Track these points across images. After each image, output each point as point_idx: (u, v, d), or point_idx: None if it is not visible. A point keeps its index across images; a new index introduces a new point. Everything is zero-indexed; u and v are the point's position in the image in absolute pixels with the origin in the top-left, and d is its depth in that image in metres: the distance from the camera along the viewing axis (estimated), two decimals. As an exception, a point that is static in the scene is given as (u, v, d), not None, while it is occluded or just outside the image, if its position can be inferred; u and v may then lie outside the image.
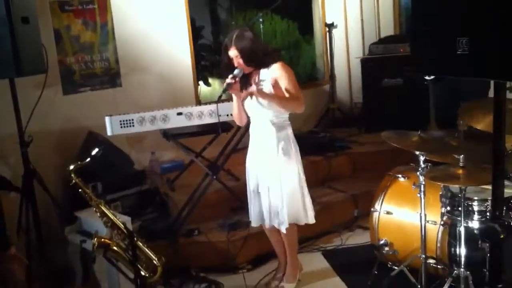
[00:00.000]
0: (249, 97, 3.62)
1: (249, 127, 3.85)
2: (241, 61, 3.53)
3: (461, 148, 3.34)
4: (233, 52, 3.54)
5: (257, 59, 3.57)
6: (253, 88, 3.48)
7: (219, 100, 3.67)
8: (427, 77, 5.40)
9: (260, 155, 3.72)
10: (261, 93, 3.49)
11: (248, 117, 3.78)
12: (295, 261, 3.98)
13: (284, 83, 3.54)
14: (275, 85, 3.55)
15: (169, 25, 5.55)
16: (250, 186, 3.84)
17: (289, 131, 3.70)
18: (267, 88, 3.56)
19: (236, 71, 3.54)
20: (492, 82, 2.28)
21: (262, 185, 3.73)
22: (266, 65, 3.60)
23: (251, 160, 3.83)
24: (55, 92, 4.76)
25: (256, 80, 3.64)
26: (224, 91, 3.57)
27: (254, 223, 3.87)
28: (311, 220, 3.79)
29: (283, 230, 3.71)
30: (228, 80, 3.51)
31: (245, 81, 3.66)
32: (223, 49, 3.62)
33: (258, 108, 3.62)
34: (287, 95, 3.53)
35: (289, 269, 3.95)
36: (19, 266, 2.70)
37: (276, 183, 3.65)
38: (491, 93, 2.32)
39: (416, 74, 5.31)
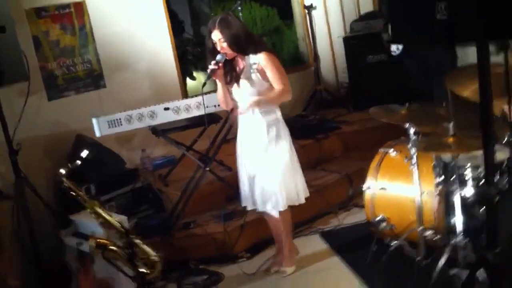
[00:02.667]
0: (235, 85, 3.62)
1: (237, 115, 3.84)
2: (224, 45, 3.51)
3: (450, 116, 3.34)
4: (215, 35, 3.52)
5: (241, 43, 3.54)
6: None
7: (203, 86, 3.61)
8: (394, 51, 5.47)
9: (251, 141, 3.73)
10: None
11: (235, 103, 3.77)
12: (291, 244, 4.00)
13: (270, 74, 3.55)
14: (262, 73, 3.55)
15: (149, 22, 5.50)
16: (242, 172, 3.85)
17: (278, 114, 3.71)
18: (255, 77, 3.56)
19: (218, 57, 3.52)
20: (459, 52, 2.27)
21: (254, 171, 3.73)
22: (251, 51, 3.57)
23: (241, 147, 3.83)
24: (39, 98, 4.73)
25: (241, 67, 3.63)
26: (208, 77, 3.53)
27: (246, 205, 3.89)
28: (302, 200, 3.82)
29: (276, 214, 3.72)
30: (211, 66, 3.49)
31: (230, 68, 3.65)
32: (207, 33, 3.60)
33: (247, 96, 3.61)
34: (275, 86, 3.55)
35: (286, 253, 3.96)
36: (11, 270, 2.69)
37: (268, 168, 3.66)
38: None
39: (393, 44, 5.34)
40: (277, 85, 3.56)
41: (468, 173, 3.26)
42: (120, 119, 4.21)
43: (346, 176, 5.04)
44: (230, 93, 3.73)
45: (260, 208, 3.79)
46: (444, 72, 5.41)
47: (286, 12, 7.51)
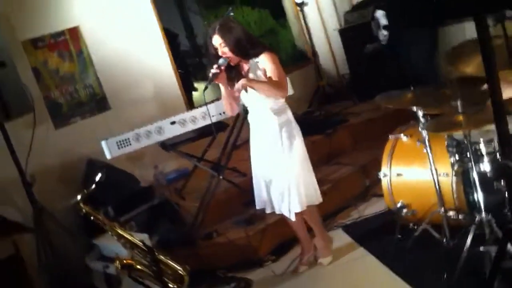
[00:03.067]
0: (244, 90, 3.62)
1: (243, 122, 3.84)
2: (225, 49, 3.51)
3: (457, 95, 3.32)
4: (216, 40, 3.51)
5: (242, 47, 3.53)
6: (240, 81, 3.47)
7: (205, 90, 3.55)
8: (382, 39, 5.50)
9: (264, 143, 3.72)
10: (250, 81, 3.49)
11: (244, 108, 3.78)
12: (325, 235, 4.00)
13: (269, 72, 3.54)
14: (265, 74, 3.55)
15: (145, 39, 5.53)
16: (257, 175, 3.83)
17: (289, 114, 3.71)
18: (261, 78, 3.55)
19: (220, 61, 3.50)
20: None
21: (270, 173, 3.72)
22: (253, 55, 3.57)
23: (255, 150, 3.82)
24: (46, 128, 4.75)
25: (245, 70, 3.63)
26: (210, 81, 3.50)
27: (265, 208, 3.86)
28: (320, 198, 3.82)
29: (293, 217, 3.72)
30: (213, 70, 3.47)
31: (235, 72, 3.64)
32: (208, 39, 3.59)
33: (257, 99, 3.61)
34: None
35: (321, 244, 3.96)
36: None
37: (284, 169, 3.65)
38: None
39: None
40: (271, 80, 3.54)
41: (483, 148, 3.23)
42: (128, 138, 4.21)
43: (360, 167, 5.02)
44: (237, 98, 3.72)
45: (278, 210, 3.78)
46: (427, 56, 5.51)
47: (279, 12, 7.51)
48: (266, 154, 3.71)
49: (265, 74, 3.55)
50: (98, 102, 5.15)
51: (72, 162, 4.81)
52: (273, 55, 3.59)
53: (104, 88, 5.18)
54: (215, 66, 3.48)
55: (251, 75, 3.59)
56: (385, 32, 5.82)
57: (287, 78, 3.72)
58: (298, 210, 3.68)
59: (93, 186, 3.18)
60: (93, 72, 5.13)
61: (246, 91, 3.60)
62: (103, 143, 4.17)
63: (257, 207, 3.95)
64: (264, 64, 3.55)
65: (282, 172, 3.66)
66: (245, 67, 3.64)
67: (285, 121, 3.66)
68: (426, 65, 5.58)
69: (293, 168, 3.66)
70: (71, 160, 4.84)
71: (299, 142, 3.71)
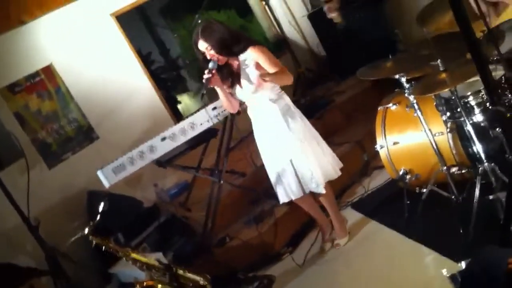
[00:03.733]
0: (238, 86, 3.62)
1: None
2: (212, 52, 3.49)
3: (435, 54, 3.34)
4: (202, 45, 3.50)
5: (228, 45, 3.52)
6: (256, 79, 3.49)
7: (202, 97, 3.57)
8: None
9: (271, 134, 3.72)
10: (265, 76, 3.45)
11: (241, 103, 3.80)
12: (339, 216, 4.02)
13: (265, 64, 3.53)
14: (258, 67, 3.55)
15: (119, 63, 5.54)
16: (271, 167, 3.82)
17: (286, 98, 3.73)
18: (253, 72, 3.55)
19: (210, 64, 3.48)
20: None
21: (284, 161, 3.71)
22: (240, 51, 3.56)
23: (262, 143, 3.81)
24: (40, 170, 4.76)
25: (236, 66, 3.63)
26: (205, 87, 3.47)
27: (287, 198, 3.84)
28: (339, 172, 3.84)
29: (322, 190, 3.72)
30: (205, 76, 3.45)
31: (226, 71, 3.64)
32: (193, 46, 3.58)
33: (255, 93, 3.62)
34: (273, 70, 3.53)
35: (336, 225, 3.98)
36: None
37: (298, 152, 3.66)
38: None
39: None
40: (273, 69, 3.52)
41: (472, 100, 3.25)
42: (123, 163, 4.20)
43: (356, 143, 5.03)
44: (233, 95, 3.72)
45: (303, 192, 3.75)
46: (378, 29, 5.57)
47: (245, 9, 7.52)
48: (275, 143, 3.71)
49: (259, 69, 3.54)
50: (85, 134, 5.14)
51: (73, 198, 4.81)
52: (260, 47, 3.58)
53: (88, 119, 5.17)
54: (206, 71, 3.46)
55: (243, 66, 3.58)
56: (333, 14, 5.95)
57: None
58: (323, 184, 3.70)
59: (98, 216, 3.17)
60: (74, 105, 5.12)
61: (241, 87, 3.61)
62: (99, 173, 4.16)
63: (281, 202, 3.91)
64: (255, 57, 3.54)
65: (297, 154, 3.66)
66: (235, 63, 3.63)
67: (284, 106, 3.68)
68: (379, 38, 5.63)
69: (304, 147, 3.67)
70: (71, 195, 4.83)
71: (302, 122, 3.74)
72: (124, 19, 5.73)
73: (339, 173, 3.85)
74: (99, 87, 5.32)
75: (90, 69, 5.28)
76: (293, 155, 3.66)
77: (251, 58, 3.55)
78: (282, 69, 3.53)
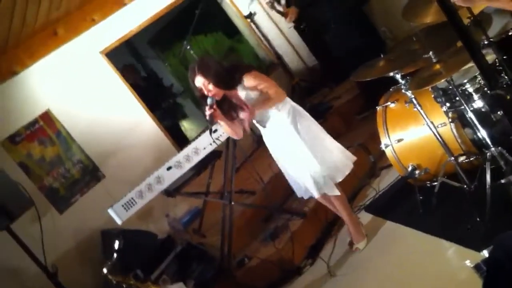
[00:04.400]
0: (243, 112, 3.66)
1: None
2: (210, 87, 3.51)
3: (426, 46, 3.35)
4: (199, 80, 3.53)
5: (225, 78, 3.56)
6: (244, 116, 3.54)
7: (211, 132, 3.72)
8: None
9: (283, 141, 3.76)
10: (255, 108, 3.55)
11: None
12: (354, 219, 3.99)
13: (260, 88, 3.60)
14: (256, 90, 3.61)
15: (115, 100, 5.56)
16: (290, 173, 3.87)
17: (291, 102, 3.80)
18: (254, 99, 3.61)
19: (208, 100, 3.50)
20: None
21: (296, 164, 3.76)
22: (236, 83, 3.60)
23: (277, 153, 3.87)
24: (51, 216, 4.76)
25: (235, 96, 3.65)
26: (211, 123, 3.57)
27: (306, 196, 3.90)
28: (350, 165, 3.86)
29: (336, 192, 3.76)
30: (207, 113, 3.48)
31: (228, 104, 3.68)
32: (190, 82, 3.61)
33: (263, 114, 3.70)
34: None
35: (352, 229, 3.96)
36: None
37: (308, 154, 3.69)
38: None
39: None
40: (268, 91, 3.61)
41: (469, 87, 3.25)
42: (132, 198, 4.19)
43: (360, 146, 5.01)
44: (239, 124, 3.75)
45: (317, 194, 3.76)
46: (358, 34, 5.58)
47: (232, 30, 7.58)
48: (288, 150, 3.75)
49: (255, 90, 3.60)
50: (91, 174, 5.15)
51: (87, 239, 4.81)
52: (253, 72, 3.63)
53: (92, 159, 5.19)
54: (207, 108, 3.49)
55: (242, 96, 3.62)
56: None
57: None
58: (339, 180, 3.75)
59: (115, 255, 3.17)
60: (77, 147, 5.13)
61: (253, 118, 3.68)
62: (110, 211, 4.16)
63: (298, 195, 3.96)
64: (251, 84, 3.59)
65: (312, 157, 3.69)
66: (233, 93, 3.65)
67: (291, 109, 3.73)
68: (368, 39, 5.64)
69: (317, 146, 3.73)
70: (85, 237, 4.83)
71: (309, 121, 3.82)
72: (114, 55, 5.77)
73: (351, 166, 3.87)
74: (98, 125, 5.34)
75: (87, 109, 5.31)
76: (307, 157, 3.68)
77: (248, 85, 3.59)
78: (272, 93, 3.60)
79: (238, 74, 3.59)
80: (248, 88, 3.59)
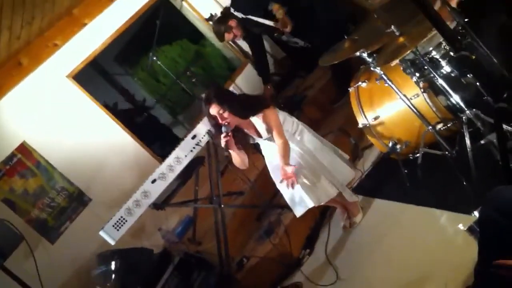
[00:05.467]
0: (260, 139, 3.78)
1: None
2: (225, 114, 3.53)
3: (388, 21, 3.37)
4: (214, 109, 3.55)
5: (240, 106, 3.61)
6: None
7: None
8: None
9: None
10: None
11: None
12: (349, 195, 4.01)
13: (271, 128, 3.66)
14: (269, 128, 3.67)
15: (89, 122, 5.52)
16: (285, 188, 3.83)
17: (281, 112, 3.82)
18: (267, 133, 3.68)
19: (223, 129, 3.54)
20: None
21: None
22: (252, 113, 3.65)
23: (276, 172, 3.83)
24: (43, 248, 4.72)
25: (248, 127, 3.73)
26: (226, 150, 3.57)
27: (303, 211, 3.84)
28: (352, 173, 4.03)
29: (335, 193, 3.78)
30: (223, 140, 3.52)
31: (242, 134, 3.74)
32: (205, 112, 3.64)
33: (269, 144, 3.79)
34: (276, 137, 3.65)
35: (349, 206, 4.01)
36: None
37: (311, 162, 3.77)
38: None
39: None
40: (277, 138, 3.64)
41: (436, 54, 3.28)
42: (122, 217, 4.16)
43: (340, 130, 5.04)
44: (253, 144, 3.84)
45: (319, 202, 3.73)
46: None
47: (196, 36, 7.55)
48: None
49: (269, 127, 3.67)
50: (77, 200, 5.11)
51: (84, 265, 4.77)
52: (273, 110, 3.69)
53: (76, 184, 5.15)
54: (222, 135, 3.53)
55: (259, 129, 3.70)
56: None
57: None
58: (335, 194, 3.75)
59: (113, 276, 3.15)
60: (59, 175, 5.09)
61: (261, 137, 3.76)
62: (102, 233, 4.12)
63: (299, 215, 3.86)
64: (267, 121, 3.66)
65: (310, 166, 3.74)
66: (251, 127, 3.73)
67: (292, 124, 3.82)
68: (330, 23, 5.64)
69: (324, 155, 3.82)
70: (82, 264, 4.80)
71: (311, 132, 3.89)
72: (82, 77, 5.72)
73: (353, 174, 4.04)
74: (77, 150, 5.29)
75: (64, 136, 5.26)
76: (308, 165, 3.74)
77: (264, 120, 3.66)
78: (283, 144, 3.63)
79: (258, 107, 3.66)
80: (262, 122, 3.66)
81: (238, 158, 3.72)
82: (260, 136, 3.75)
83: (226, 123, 3.54)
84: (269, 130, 3.68)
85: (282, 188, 3.75)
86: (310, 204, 3.63)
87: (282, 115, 3.79)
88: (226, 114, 3.54)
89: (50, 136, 5.20)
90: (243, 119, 3.65)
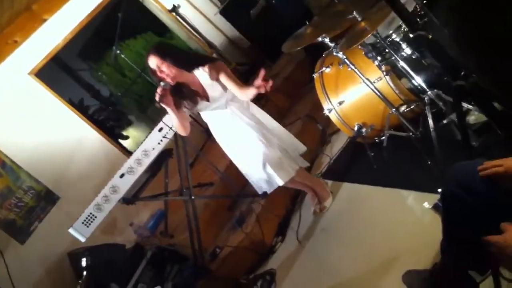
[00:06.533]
0: (204, 101, 3.55)
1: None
2: (163, 67, 3.31)
3: (349, 6, 3.40)
4: (153, 61, 3.31)
5: (183, 59, 3.40)
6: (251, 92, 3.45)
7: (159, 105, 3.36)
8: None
9: (236, 132, 3.72)
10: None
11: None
12: (317, 181, 4.08)
13: (227, 83, 3.51)
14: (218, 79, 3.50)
15: (54, 120, 5.44)
16: (244, 166, 3.90)
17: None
18: (215, 92, 3.52)
19: (161, 83, 3.28)
20: None
21: (254, 156, 3.72)
22: (196, 64, 3.44)
23: (229, 146, 3.82)
24: (13, 248, 4.64)
25: (197, 82, 3.51)
26: (159, 103, 3.28)
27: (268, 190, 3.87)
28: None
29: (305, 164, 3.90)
30: (157, 93, 3.24)
31: (186, 91, 3.51)
32: (148, 67, 3.39)
33: (226, 103, 3.63)
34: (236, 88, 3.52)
35: (318, 189, 4.03)
36: None
37: (267, 144, 3.70)
38: None
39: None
40: (235, 88, 3.52)
41: (396, 37, 3.32)
42: (91, 213, 4.11)
43: (307, 117, 5.07)
44: (186, 117, 3.64)
45: (277, 184, 3.74)
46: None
47: (160, 28, 7.49)
48: (242, 141, 3.72)
49: (217, 81, 3.49)
50: (45, 198, 5.03)
51: (56, 265, 4.71)
52: (220, 64, 3.52)
53: (44, 183, 5.07)
54: (158, 89, 3.26)
55: (206, 83, 3.49)
56: None
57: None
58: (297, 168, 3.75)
59: (85, 273, 3.12)
60: (25, 174, 5.00)
61: (209, 101, 3.55)
62: (71, 231, 4.06)
63: (269, 191, 3.86)
64: (215, 75, 3.48)
65: (269, 145, 3.69)
66: (193, 81, 3.50)
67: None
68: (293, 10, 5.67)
69: (275, 137, 3.77)
70: (53, 263, 4.73)
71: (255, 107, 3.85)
72: (44, 74, 5.63)
73: (307, 164, 4.01)
74: (43, 148, 5.21)
75: (28, 134, 5.17)
76: (263, 146, 3.67)
77: (211, 73, 3.47)
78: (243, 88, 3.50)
79: (202, 59, 3.53)
80: (209, 75, 3.46)
81: (176, 119, 3.46)
82: (207, 99, 3.53)
83: (166, 77, 3.30)
84: (218, 89, 3.49)
85: (240, 162, 3.80)
86: (280, 182, 3.64)
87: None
88: (165, 67, 3.30)
89: (15, 135, 5.11)
90: (187, 70, 3.41)
